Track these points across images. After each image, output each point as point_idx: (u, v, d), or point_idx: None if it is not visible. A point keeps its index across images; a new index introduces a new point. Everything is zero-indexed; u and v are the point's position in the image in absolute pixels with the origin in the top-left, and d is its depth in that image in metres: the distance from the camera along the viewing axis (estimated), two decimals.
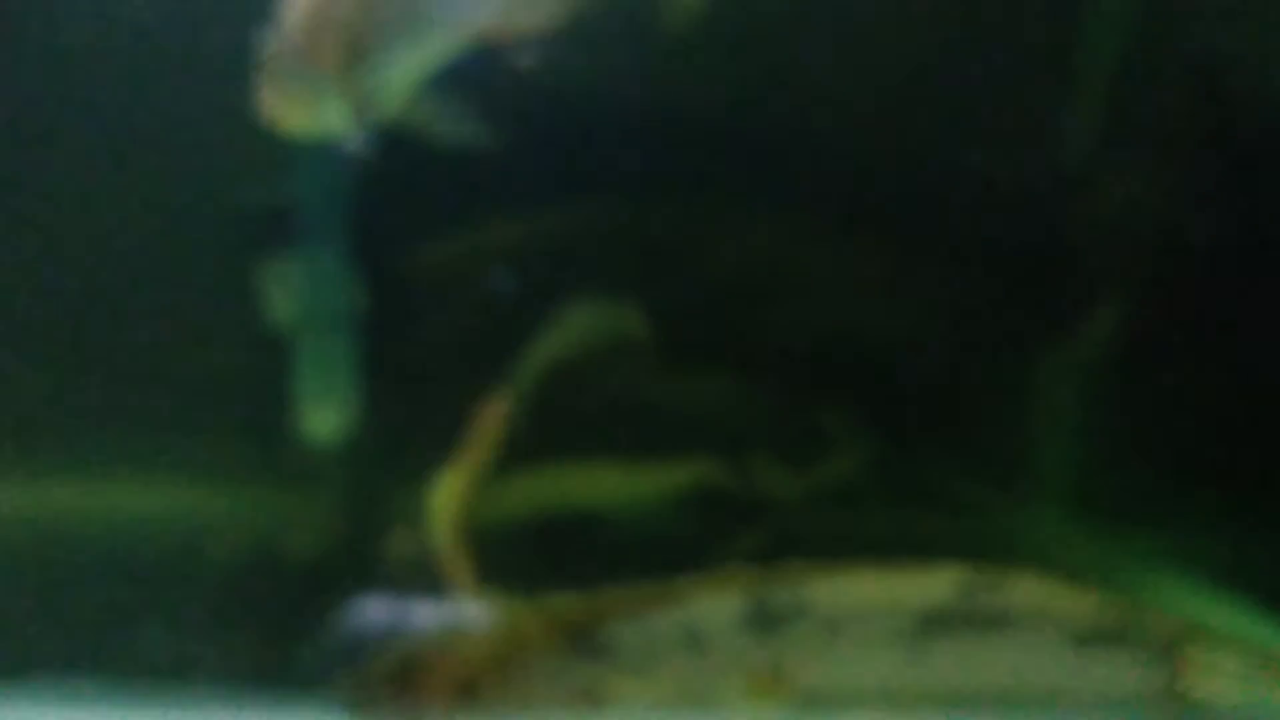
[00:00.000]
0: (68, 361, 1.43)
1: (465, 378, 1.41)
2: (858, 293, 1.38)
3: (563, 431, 1.41)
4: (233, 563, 1.41)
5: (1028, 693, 1.24)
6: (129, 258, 1.43)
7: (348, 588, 1.37)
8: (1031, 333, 1.39)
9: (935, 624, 1.23)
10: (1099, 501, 1.38)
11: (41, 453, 1.43)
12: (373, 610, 1.36)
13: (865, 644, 1.23)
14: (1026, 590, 1.23)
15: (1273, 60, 1.39)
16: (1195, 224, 1.41)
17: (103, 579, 1.40)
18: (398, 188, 1.39)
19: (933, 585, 1.23)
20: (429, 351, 1.43)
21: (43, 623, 1.35)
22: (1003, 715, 1.23)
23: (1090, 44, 1.39)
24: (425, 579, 1.37)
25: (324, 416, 1.47)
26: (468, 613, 1.36)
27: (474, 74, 1.36)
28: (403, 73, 1.33)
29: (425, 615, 1.36)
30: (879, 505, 1.37)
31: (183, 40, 1.40)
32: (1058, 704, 1.23)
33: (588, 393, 1.40)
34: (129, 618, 1.36)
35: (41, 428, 1.43)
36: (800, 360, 1.38)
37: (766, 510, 1.37)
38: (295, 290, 1.47)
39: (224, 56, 1.34)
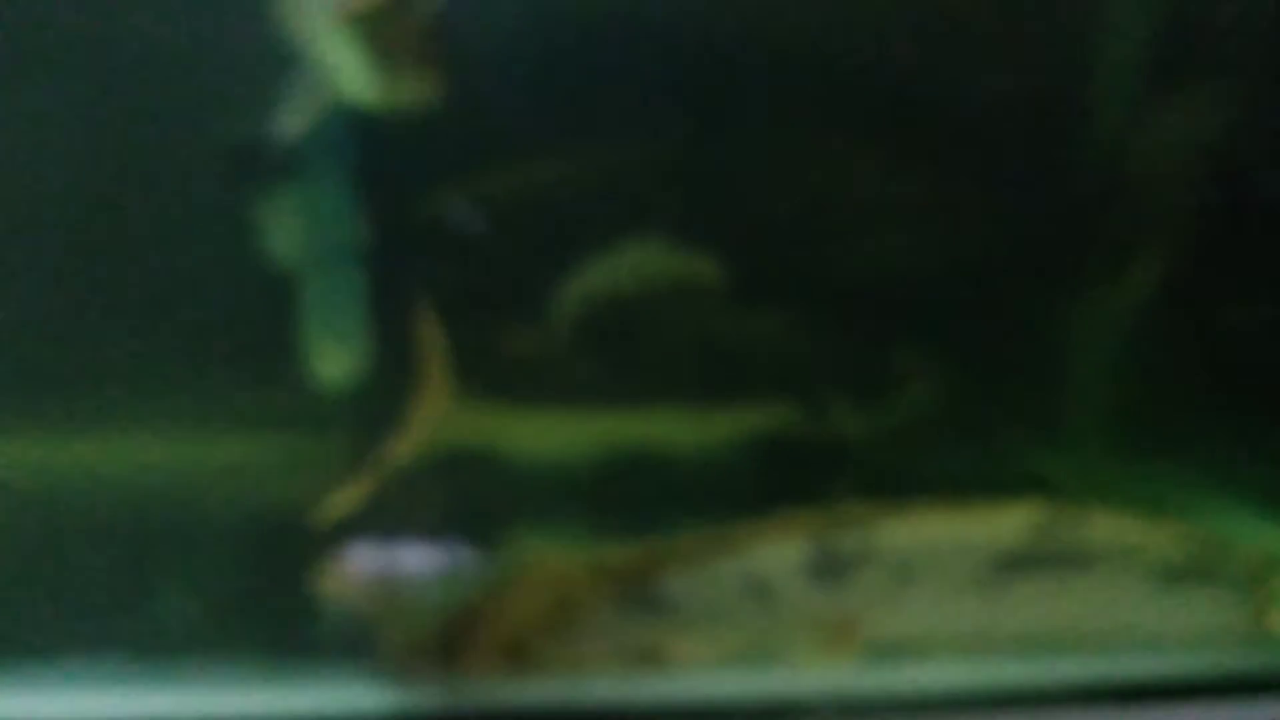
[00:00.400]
0: (62, 310, 1.33)
1: (490, 316, 1.33)
2: (924, 227, 1.32)
3: (629, 373, 1.33)
4: (247, 516, 1.32)
5: (1109, 632, 1.19)
6: (122, 197, 1.33)
7: (370, 537, 1.30)
8: (1092, 265, 1.33)
9: (1011, 565, 1.17)
10: (1158, 437, 1.33)
11: (41, 408, 1.33)
12: (361, 558, 1.29)
13: (939, 589, 1.17)
14: (1105, 527, 1.18)
15: None
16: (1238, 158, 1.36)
17: (112, 538, 1.31)
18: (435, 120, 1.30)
19: (1007, 525, 1.17)
20: (451, 290, 1.35)
21: (55, 592, 1.26)
22: (1084, 656, 1.18)
23: None
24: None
25: (333, 359, 1.38)
26: (458, 556, 1.30)
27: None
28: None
29: (415, 560, 1.29)
30: (943, 444, 1.30)
31: None
32: (1140, 643, 1.18)
33: (654, 333, 1.33)
34: (142, 580, 1.28)
35: (40, 381, 1.33)
36: (867, 297, 1.31)
37: (840, 451, 1.30)
38: (296, 226, 1.38)
39: None
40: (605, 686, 1.16)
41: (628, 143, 1.32)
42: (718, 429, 1.31)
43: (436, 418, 1.29)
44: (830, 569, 1.16)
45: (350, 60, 1.23)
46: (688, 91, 1.29)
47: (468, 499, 1.30)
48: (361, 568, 1.29)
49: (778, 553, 1.16)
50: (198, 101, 1.31)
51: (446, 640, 1.16)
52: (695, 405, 1.32)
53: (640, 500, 1.30)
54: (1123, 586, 1.18)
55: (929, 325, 1.32)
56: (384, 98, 1.24)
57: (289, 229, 1.36)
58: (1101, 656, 1.18)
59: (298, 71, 1.24)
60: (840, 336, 1.33)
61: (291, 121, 1.23)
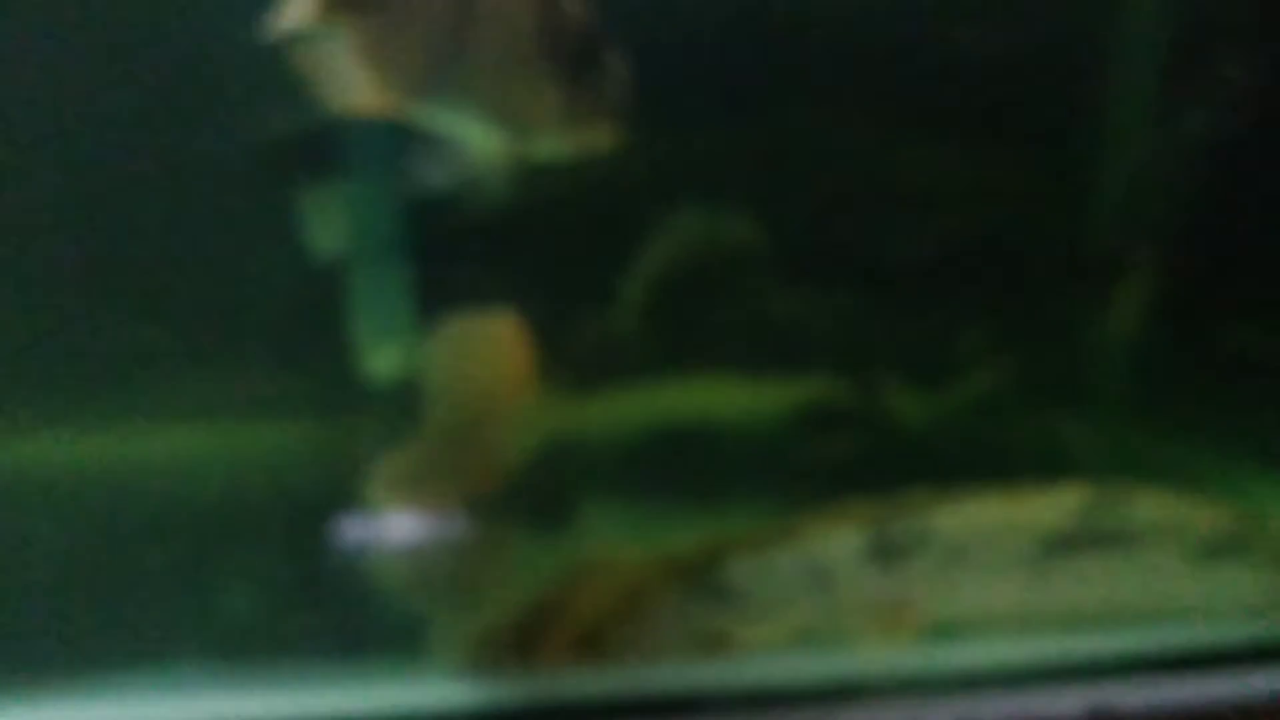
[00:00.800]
0: (112, 304, 1.34)
1: (543, 303, 1.34)
2: (978, 205, 1.34)
3: (682, 345, 1.35)
4: (306, 509, 1.34)
5: (1153, 606, 1.24)
6: (171, 190, 1.33)
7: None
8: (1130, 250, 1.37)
9: (1059, 545, 1.22)
10: (1194, 416, 1.37)
11: (90, 401, 1.34)
12: (350, 530, 1.31)
13: (990, 570, 1.22)
14: (1148, 506, 1.23)
15: None
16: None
17: (162, 533, 1.32)
18: None
19: (1055, 506, 1.22)
20: (503, 278, 1.36)
21: (111, 593, 1.27)
22: (1130, 630, 1.23)
23: None
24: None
25: (384, 354, 1.40)
26: (446, 525, 1.32)
27: None
28: None
29: (401, 529, 1.32)
30: (990, 420, 1.35)
31: None
32: (1183, 618, 1.24)
33: (707, 306, 1.35)
34: (202, 578, 1.29)
35: (89, 374, 1.34)
36: (920, 274, 1.34)
37: (888, 427, 1.34)
38: (340, 220, 1.39)
39: None
40: (675, 673, 1.20)
41: (686, 122, 1.33)
42: (774, 402, 1.34)
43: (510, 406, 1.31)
44: (888, 554, 1.20)
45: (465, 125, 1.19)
46: (750, 69, 1.30)
47: (531, 480, 1.33)
48: (350, 541, 1.31)
49: (837, 539, 1.20)
50: (246, 93, 1.31)
51: (520, 634, 1.20)
52: (752, 377, 1.35)
53: (695, 471, 1.33)
54: (1165, 562, 1.23)
55: (976, 306, 1.35)
56: (562, 150, 1.20)
57: (331, 222, 1.37)
58: (1146, 629, 1.23)
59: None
60: (891, 313, 1.37)
61: (436, 179, 1.21)
